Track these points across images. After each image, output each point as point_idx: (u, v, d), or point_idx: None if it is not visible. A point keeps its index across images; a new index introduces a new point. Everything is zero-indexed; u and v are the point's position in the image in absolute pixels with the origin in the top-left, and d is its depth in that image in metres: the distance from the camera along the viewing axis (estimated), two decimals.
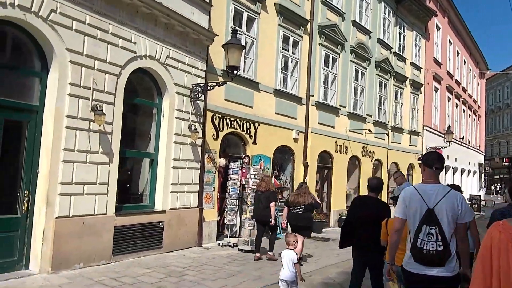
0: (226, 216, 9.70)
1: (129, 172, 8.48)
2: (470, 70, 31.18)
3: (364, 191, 16.31)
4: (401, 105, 19.04)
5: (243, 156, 10.89)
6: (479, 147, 34.24)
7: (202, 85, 9.09)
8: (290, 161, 12.93)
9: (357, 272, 5.22)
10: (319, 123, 13.68)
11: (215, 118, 10.06)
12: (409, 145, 19.95)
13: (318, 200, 8.89)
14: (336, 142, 14.47)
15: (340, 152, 14.75)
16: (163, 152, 8.56)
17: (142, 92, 8.59)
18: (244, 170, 10.51)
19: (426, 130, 21.50)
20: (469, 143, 29.95)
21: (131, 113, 8.37)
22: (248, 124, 11.05)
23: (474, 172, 31.93)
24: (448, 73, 24.92)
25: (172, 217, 8.61)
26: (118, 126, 7.43)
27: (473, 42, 29.80)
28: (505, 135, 47.11)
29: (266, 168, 11.64)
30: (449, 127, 20.87)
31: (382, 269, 4.66)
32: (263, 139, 11.55)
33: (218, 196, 10.20)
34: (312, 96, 13.35)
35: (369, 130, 15.37)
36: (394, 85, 18.43)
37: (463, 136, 28.34)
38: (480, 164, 33.71)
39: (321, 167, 14.05)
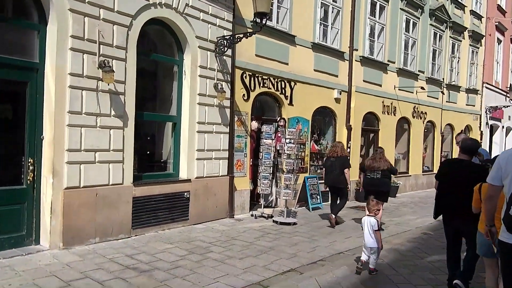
0: (259, 185, 8.77)
1: (149, 138, 7.70)
2: None
3: (413, 156, 14.89)
4: (458, 60, 16.93)
5: (278, 119, 9.82)
6: None
7: (227, 37, 7.97)
8: (332, 124, 11.69)
9: (451, 243, 4.87)
10: (364, 81, 12.21)
11: (245, 77, 8.98)
12: (466, 104, 17.90)
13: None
14: (383, 102, 12.97)
15: (388, 113, 13.26)
16: (186, 115, 7.66)
17: (159, 47, 7.64)
18: (279, 134, 9.49)
19: (486, 87, 19.21)
20: None
21: (147, 71, 7.47)
22: (283, 83, 9.88)
23: None
24: None
25: (199, 187, 7.82)
26: (131, 85, 6.57)
27: None
28: None
29: (304, 132, 10.53)
30: (511, 85, 18.48)
31: (475, 240, 4.23)
32: (301, 99, 10.37)
33: (251, 163, 9.27)
34: (356, 50, 11.84)
35: (422, 88, 13.67)
36: (450, 37, 16.31)
37: None
38: None
39: (366, 130, 12.70)
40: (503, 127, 21.46)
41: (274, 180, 9.22)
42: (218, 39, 8.01)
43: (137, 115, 6.77)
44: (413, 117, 14.48)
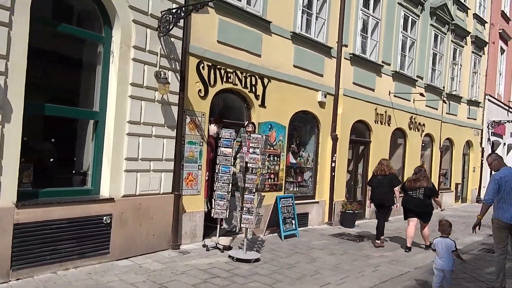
0: (214, 206, 6.77)
1: (53, 140, 5.68)
2: None
3: (409, 173, 12.95)
4: (460, 67, 15.21)
5: (246, 123, 7.88)
6: None
7: (175, 10, 6.05)
8: (314, 132, 9.77)
9: None
10: (354, 83, 10.36)
11: (203, 67, 7.05)
12: (467, 117, 16.16)
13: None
14: (376, 109, 11.11)
15: (381, 123, 11.39)
16: (112, 111, 5.69)
17: (75, 17, 5.68)
18: (250, 143, 7.55)
19: (489, 100, 17.52)
20: None
21: (55, 48, 5.51)
22: (253, 79, 7.96)
23: None
24: None
25: (127, 208, 5.80)
26: (19, 64, 4.59)
27: None
28: None
29: (279, 141, 8.58)
30: None
31: None
32: (276, 101, 8.46)
33: (207, 178, 7.28)
34: (346, 46, 10.00)
35: (421, 95, 11.85)
36: (452, 41, 14.60)
37: None
38: None
39: (355, 141, 10.80)
40: (504, 144, 19.77)
41: (235, 201, 7.22)
42: (162, 13, 6.09)
43: (31, 107, 4.78)
44: (410, 128, 12.64)
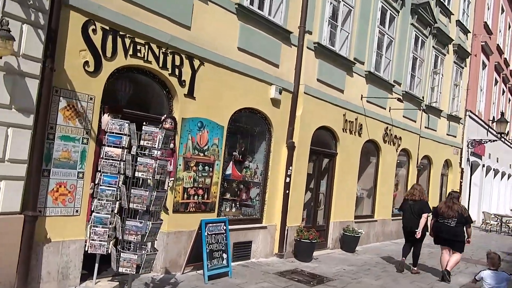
0: (88, 235, 4.48)
1: None
2: None
3: (381, 194, 11.01)
4: (441, 77, 13.56)
5: (163, 117, 5.70)
6: None
7: None
8: (264, 138, 7.67)
9: None
10: (318, 80, 8.37)
11: (94, 30, 4.87)
12: (447, 134, 14.47)
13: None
14: (345, 115, 9.14)
15: (351, 132, 9.42)
16: None
17: None
18: (171, 145, 5.37)
19: (470, 117, 15.95)
20: None
21: None
22: (178, 57, 5.83)
23: None
24: (498, 47, 19.25)
25: None
26: None
27: None
28: None
29: (213, 145, 6.42)
30: (502, 114, 15.29)
31: None
32: (211, 91, 6.34)
33: (93, 190, 4.99)
34: (310, 34, 8.04)
35: (399, 100, 9.96)
36: (433, 47, 12.95)
37: (508, 132, 22.57)
38: None
39: (318, 152, 8.76)
40: (483, 166, 18.27)
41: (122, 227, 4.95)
42: None
43: None
44: (384, 141, 10.74)
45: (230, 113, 6.73)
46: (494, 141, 16.67)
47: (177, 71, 5.83)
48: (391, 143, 11.05)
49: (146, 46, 5.44)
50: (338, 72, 8.88)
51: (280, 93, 7.50)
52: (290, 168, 7.75)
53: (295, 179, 7.89)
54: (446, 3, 13.36)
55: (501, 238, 14.79)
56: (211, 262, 5.83)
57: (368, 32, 9.72)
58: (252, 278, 6.20)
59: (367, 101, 9.89)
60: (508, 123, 17.20)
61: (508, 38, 21.69)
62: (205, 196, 6.30)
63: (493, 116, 18.97)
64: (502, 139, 18.68)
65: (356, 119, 9.50)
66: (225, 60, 6.50)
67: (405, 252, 7.85)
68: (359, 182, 10.38)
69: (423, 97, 12.43)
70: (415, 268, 7.80)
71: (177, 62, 5.83)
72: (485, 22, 16.98)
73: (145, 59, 5.44)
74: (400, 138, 11.40)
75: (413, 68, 11.95)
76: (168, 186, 5.75)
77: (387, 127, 10.74)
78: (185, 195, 6.02)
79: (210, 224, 5.96)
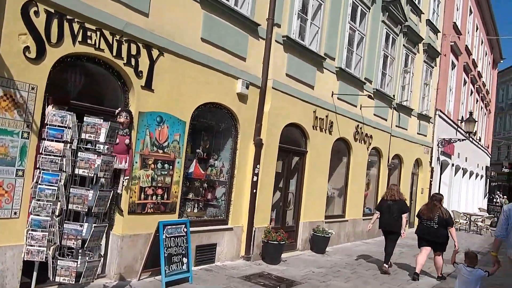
0: (25, 240, 4.00)
1: None
2: (486, 54, 25.93)
3: (352, 193, 10.82)
4: (412, 76, 13.56)
5: (118, 111, 5.27)
6: (488, 147, 29.16)
7: None
8: (230, 135, 7.31)
9: None
10: (287, 75, 8.08)
11: (35, 12, 4.38)
12: (417, 133, 14.51)
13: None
14: (315, 112, 8.89)
15: (321, 130, 9.18)
16: None
17: None
18: (117, 140, 4.96)
19: (439, 116, 16.09)
20: (480, 141, 24.79)
21: None
22: (133, 46, 5.39)
23: (481, 177, 26.87)
24: (467, 48, 19.58)
25: None
26: None
27: (493, 20, 24.41)
28: None
29: (174, 142, 6.01)
30: (471, 114, 15.51)
31: None
32: (171, 84, 5.93)
33: (33, 189, 4.48)
34: (279, 27, 7.74)
35: (370, 97, 9.81)
36: (404, 45, 12.92)
37: (475, 132, 23.07)
38: (487, 168, 28.66)
39: (287, 150, 8.46)
40: (452, 165, 18.52)
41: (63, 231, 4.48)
42: None
43: None
44: (355, 139, 10.57)
45: (193, 107, 6.33)
46: (463, 140, 16.91)
47: (133, 61, 5.39)
48: (362, 141, 10.90)
49: (98, 33, 4.98)
50: (308, 67, 8.62)
51: (247, 87, 7.16)
52: (258, 166, 7.42)
53: (263, 178, 7.56)
54: (416, 2, 13.39)
55: (470, 237, 14.97)
56: (170, 268, 5.41)
57: (339, 28, 9.51)
58: (215, 283, 5.82)
59: (338, 98, 9.69)
60: (476, 123, 17.49)
61: (476, 40, 22.15)
62: (165, 196, 5.88)
63: (462, 116, 19.29)
64: (470, 138, 19.02)
65: (326, 116, 9.27)
66: (187, 51, 6.10)
67: (388, 257, 7.81)
68: (330, 181, 10.17)
69: (394, 96, 12.37)
70: (386, 266, 7.74)
71: (133, 51, 5.39)
72: (454, 23, 17.21)
73: (97, 46, 4.98)
74: (371, 137, 11.28)
75: (384, 66, 11.87)
76: (123, 185, 5.31)
77: (358, 125, 10.58)
78: (142, 195, 5.59)
79: (169, 226, 5.54)
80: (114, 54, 5.17)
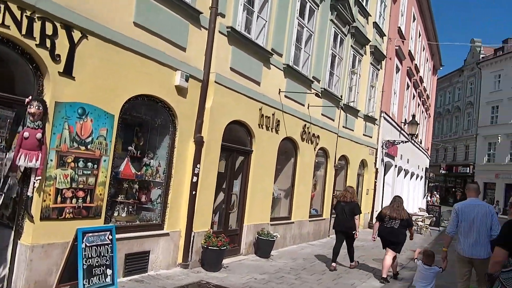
0: None
1: None
2: (427, 60, 27.12)
3: (299, 195, 10.53)
4: (359, 77, 13.62)
5: (28, 100, 4.50)
6: (427, 150, 30.54)
7: None
8: (168, 131, 6.68)
9: None
10: (232, 69, 7.59)
11: None
12: (363, 134, 14.64)
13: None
14: (261, 109, 8.49)
15: (268, 129, 8.79)
16: None
17: None
18: (26, 134, 4.24)
19: (384, 118, 16.40)
20: (420, 143, 25.83)
21: None
22: (48, 25, 4.64)
23: (421, 178, 28.03)
24: (410, 53, 20.22)
25: None
26: None
27: (434, 28, 25.54)
28: (452, 140, 44.70)
29: (100, 137, 5.30)
30: (414, 116, 15.95)
31: None
32: (98, 72, 5.22)
33: None
34: (223, 17, 7.23)
35: (317, 95, 9.58)
36: (352, 46, 12.93)
37: (417, 134, 23.96)
38: (426, 169, 30.00)
39: (231, 149, 7.97)
40: (395, 166, 19.00)
41: None
42: None
43: None
44: (303, 139, 10.31)
45: (124, 99, 5.65)
46: (406, 142, 17.35)
47: (48, 42, 4.64)
48: (310, 141, 10.67)
49: (2, 6, 4.20)
50: (254, 62, 8.19)
51: (187, 80, 6.58)
52: (198, 166, 6.86)
53: (204, 179, 7.01)
54: (364, 4, 13.46)
55: None
56: (90, 281, 4.72)
57: (287, 23, 9.18)
58: None
59: (285, 96, 9.36)
60: (419, 125, 18.05)
61: (418, 45, 23.01)
62: (88, 199, 5.16)
63: (405, 119, 19.89)
64: (412, 140, 19.64)
65: (273, 114, 8.90)
66: (116, 35, 5.42)
67: (335, 252, 8.14)
68: (276, 182, 9.82)
69: (341, 96, 12.31)
70: (353, 263, 8.37)
71: (49, 31, 4.64)
72: (399, 27, 17.65)
73: (0, 22, 4.19)
74: (318, 137, 11.09)
75: (332, 66, 11.75)
76: (34, 187, 4.55)
77: (305, 125, 10.33)
78: (59, 198, 4.84)
79: (90, 234, 4.85)
80: (24, 32, 4.40)
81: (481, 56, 41.89)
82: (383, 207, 8.35)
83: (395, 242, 7.46)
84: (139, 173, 6.36)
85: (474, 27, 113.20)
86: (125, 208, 6.10)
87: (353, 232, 8.08)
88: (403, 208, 7.70)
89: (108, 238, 5.06)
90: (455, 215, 5.35)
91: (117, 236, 5.50)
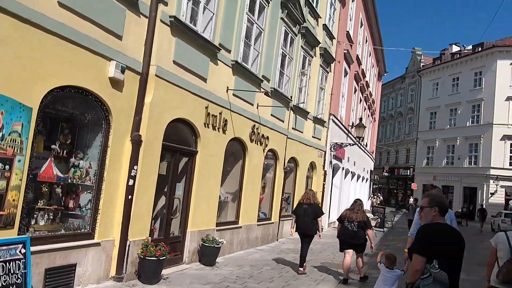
0: None
1: None
2: (373, 66, 27.94)
3: (247, 198, 9.88)
4: (309, 79, 13.49)
5: None
6: (372, 153, 31.49)
7: None
8: (100, 128, 5.96)
9: None
10: (175, 62, 7.00)
11: None
12: (313, 136, 14.55)
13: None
14: (207, 107, 7.95)
15: (214, 128, 8.28)
16: None
17: None
18: None
19: (333, 121, 16.46)
20: (366, 146, 26.49)
21: None
22: None
23: (367, 180, 28.80)
24: (358, 58, 20.59)
25: None
26: None
27: (379, 34, 26.37)
28: (395, 144, 46.59)
29: (13, 134, 4.51)
30: (361, 119, 16.16)
31: None
32: (12, 56, 4.46)
33: None
34: (166, 5, 6.63)
35: (266, 94, 9.22)
36: (302, 47, 12.76)
37: (363, 138, 24.50)
38: (371, 172, 30.91)
39: (174, 150, 7.36)
40: (343, 168, 19.21)
41: None
42: None
43: None
44: (251, 140, 9.90)
45: (45, 90, 4.89)
46: (353, 144, 17.55)
47: None
48: (259, 142, 10.29)
49: None
50: (200, 57, 7.65)
51: (123, 72, 5.91)
52: (136, 167, 6.20)
53: (142, 182, 6.36)
54: (314, 5, 13.36)
55: None
56: None
57: (236, 18, 8.74)
58: None
59: (234, 95, 8.90)
60: (366, 128, 18.35)
61: (365, 51, 23.57)
62: None
63: (352, 122, 20.20)
64: (359, 143, 19.97)
65: (220, 113, 8.40)
66: (38, 16, 4.67)
67: (303, 259, 8.13)
68: (224, 185, 9.33)
69: (291, 97, 12.08)
70: (301, 269, 8.05)
71: None
72: (348, 32, 17.86)
73: None
74: (268, 138, 10.75)
75: (282, 65, 11.49)
76: None
77: (254, 125, 9.93)
78: None
79: None
80: None
81: (421, 64, 44.17)
82: (343, 209, 8.55)
83: (354, 244, 7.56)
84: (65, 175, 5.58)
85: (416, 36, 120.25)
86: (47, 215, 5.30)
87: (315, 234, 8.19)
88: (363, 211, 7.87)
89: (20, 252, 4.29)
90: (419, 218, 5.40)
91: (35, 248, 4.73)
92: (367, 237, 7.62)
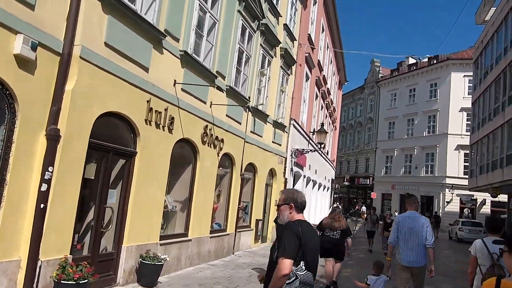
0: None
1: None
2: (334, 74, 27.72)
3: (199, 207, 8.41)
4: (268, 80, 12.66)
5: None
6: (333, 161, 31.20)
7: None
8: (2, 120, 4.73)
9: None
10: (107, 44, 5.86)
11: None
12: (273, 141, 13.69)
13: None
14: (149, 101, 6.84)
15: (158, 126, 7.16)
16: None
17: None
18: None
19: (294, 126, 15.70)
20: (327, 154, 26.06)
21: None
22: None
23: (328, 189, 28.36)
24: (319, 63, 20.11)
25: None
26: None
27: (340, 42, 26.22)
28: (354, 153, 46.86)
29: None
30: (323, 124, 15.51)
31: None
32: None
33: None
34: None
35: (219, 88, 8.22)
36: (261, 45, 11.94)
37: (324, 145, 24.03)
38: (332, 180, 30.57)
39: (104, 149, 6.17)
40: (304, 176, 18.49)
41: None
42: None
43: None
44: (204, 142, 8.85)
45: None
46: (314, 151, 16.88)
47: None
48: (212, 145, 9.26)
49: None
50: (141, 42, 6.56)
51: (34, 49, 4.74)
52: (51, 169, 5.00)
53: (60, 187, 5.15)
54: (274, 2, 12.62)
55: None
56: None
57: (186, 3, 7.74)
58: None
59: (183, 90, 7.86)
60: (327, 134, 17.77)
61: (326, 57, 23.21)
62: None
63: (314, 128, 19.60)
64: (320, 150, 19.38)
65: (166, 109, 7.31)
66: None
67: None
68: (171, 192, 8.23)
69: (249, 97, 11.16)
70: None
71: None
72: (309, 35, 17.29)
73: None
74: (223, 141, 9.74)
75: (239, 63, 10.58)
76: None
77: (207, 126, 8.90)
78: None
79: None
80: None
81: (380, 75, 44.93)
82: (323, 218, 8.43)
83: (336, 252, 7.66)
84: None
85: (376, 47, 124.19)
86: None
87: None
88: (343, 218, 8.00)
89: None
90: (396, 226, 5.68)
91: None
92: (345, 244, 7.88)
